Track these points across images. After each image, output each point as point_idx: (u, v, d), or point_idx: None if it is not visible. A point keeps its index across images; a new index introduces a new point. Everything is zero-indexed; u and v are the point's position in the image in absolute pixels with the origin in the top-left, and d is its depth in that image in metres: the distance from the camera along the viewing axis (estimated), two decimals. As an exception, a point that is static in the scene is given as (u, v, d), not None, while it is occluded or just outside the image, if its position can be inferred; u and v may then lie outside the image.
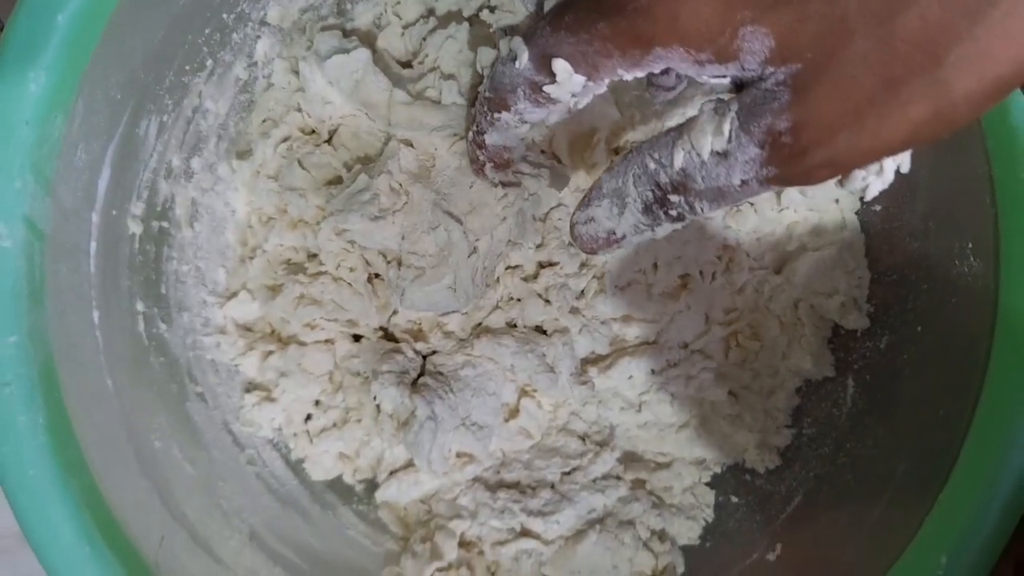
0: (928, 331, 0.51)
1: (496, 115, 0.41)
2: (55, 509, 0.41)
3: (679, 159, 0.34)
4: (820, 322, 0.57)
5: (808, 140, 0.30)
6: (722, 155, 0.33)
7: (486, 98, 0.41)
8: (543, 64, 0.36)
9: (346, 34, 0.54)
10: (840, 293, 0.55)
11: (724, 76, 0.32)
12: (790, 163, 0.31)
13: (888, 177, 0.34)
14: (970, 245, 0.47)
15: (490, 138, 0.44)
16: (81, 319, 0.45)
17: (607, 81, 0.35)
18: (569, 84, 0.35)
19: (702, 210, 0.35)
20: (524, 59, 0.37)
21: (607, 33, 0.33)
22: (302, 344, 0.54)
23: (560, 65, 0.35)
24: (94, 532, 0.42)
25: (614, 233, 0.39)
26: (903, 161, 0.34)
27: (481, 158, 0.47)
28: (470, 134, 0.46)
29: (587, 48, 0.34)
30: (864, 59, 0.28)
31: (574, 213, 0.41)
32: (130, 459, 0.47)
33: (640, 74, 0.34)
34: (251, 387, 0.56)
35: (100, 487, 0.43)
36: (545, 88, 0.37)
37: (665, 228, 0.38)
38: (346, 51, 0.51)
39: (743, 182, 0.33)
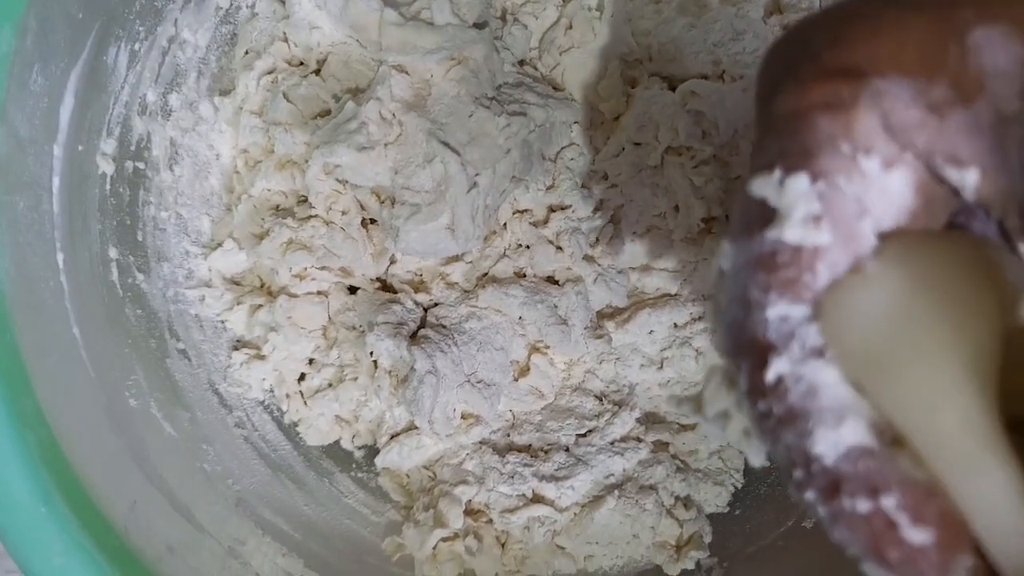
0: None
1: (774, 384, 0.23)
2: (7, 464, 0.37)
3: None
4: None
5: None
6: None
7: (745, 391, 0.25)
8: (751, 225, 0.24)
9: (335, -43, 0.49)
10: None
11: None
12: None
13: None
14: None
15: (822, 449, 0.23)
16: (42, 260, 0.42)
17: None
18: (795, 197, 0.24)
19: None
20: (728, 248, 0.25)
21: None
22: (293, 296, 0.50)
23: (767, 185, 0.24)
24: (52, 490, 0.38)
25: None
26: None
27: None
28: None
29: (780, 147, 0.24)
30: None
31: None
32: (99, 415, 0.43)
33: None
34: (239, 344, 0.52)
35: (61, 443, 0.39)
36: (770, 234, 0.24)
37: None
38: (335, -28, 0.47)
39: None
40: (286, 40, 0.49)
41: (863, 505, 0.22)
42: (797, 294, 0.23)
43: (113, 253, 0.46)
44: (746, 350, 0.24)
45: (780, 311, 0.23)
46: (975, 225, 0.24)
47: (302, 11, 0.48)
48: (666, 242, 0.52)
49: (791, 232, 0.23)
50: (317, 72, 0.49)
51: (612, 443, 0.51)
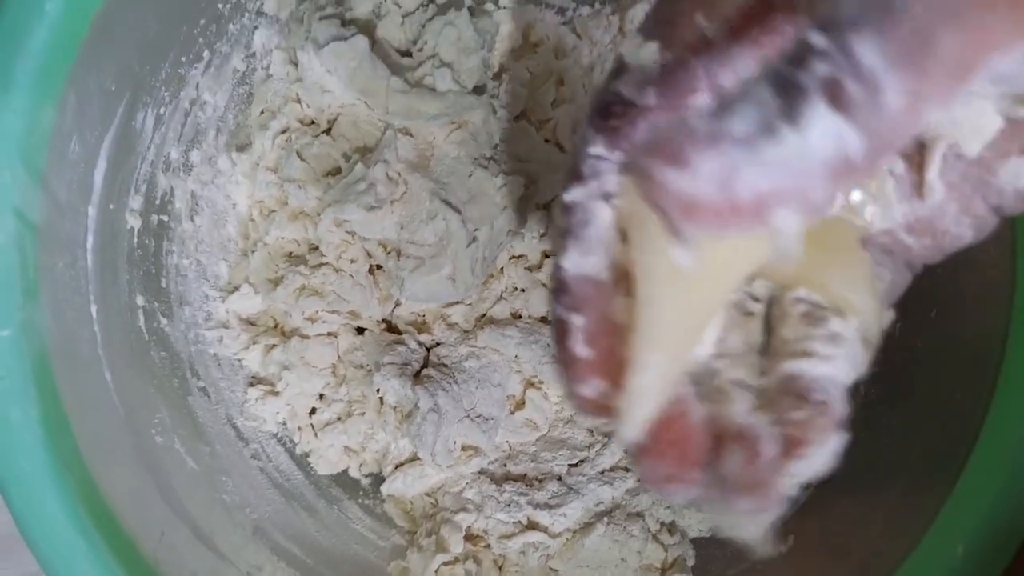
0: (943, 316, 0.49)
1: (569, 203, 0.28)
2: (50, 504, 0.41)
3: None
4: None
5: None
6: None
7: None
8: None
9: (344, 23, 0.53)
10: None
11: None
12: None
13: None
14: (986, 228, 0.46)
15: (568, 262, 0.28)
16: (78, 313, 0.45)
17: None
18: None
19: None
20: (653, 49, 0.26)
21: None
22: (305, 337, 0.53)
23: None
24: (90, 527, 0.41)
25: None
26: None
27: (563, 318, 0.29)
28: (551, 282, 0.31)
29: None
30: None
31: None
32: (129, 453, 0.46)
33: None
34: (254, 381, 0.55)
35: (97, 481, 0.43)
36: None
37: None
38: (344, 39, 0.51)
39: None
40: (299, 101, 0.53)
41: (564, 313, 0.28)
42: (615, 142, 0.26)
43: (140, 301, 0.50)
44: (569, 167, 0.28)
45: (598, 151, 0.26)
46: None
47: (314, 75, 0.52)
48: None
49: (625, 87, 0.25)
50: (328, 131, 0.53)
51: (602, 472, 0.55)
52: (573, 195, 0.28)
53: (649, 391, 0.28)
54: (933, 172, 0.29)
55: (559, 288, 0.29)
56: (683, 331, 0.28)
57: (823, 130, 0.20)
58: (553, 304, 0.29)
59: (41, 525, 0.40)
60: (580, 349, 0.29)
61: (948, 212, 0.30)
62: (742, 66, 0.24)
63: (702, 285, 0.27)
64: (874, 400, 0.53)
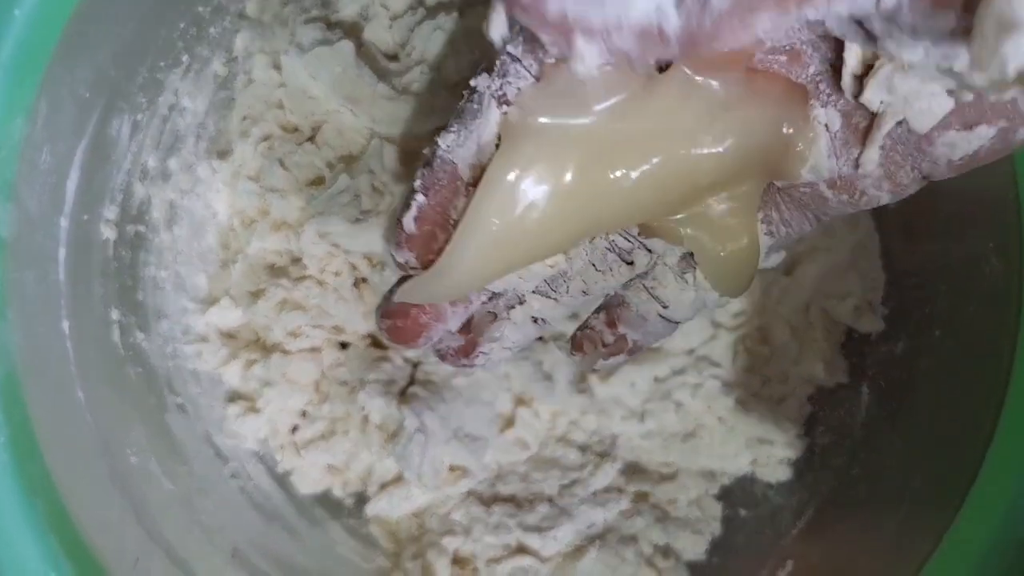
0: (947, 336, 0.48)
1: (471, 87, 0.31)
2: (18, 532, 0.39)
3: None
4: (832, 326, 0.54)
5: None
6: None
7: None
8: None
9: (330, 26, 0.51)
10: (853, 296, 0.53)
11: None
12: None
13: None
14: (991, 245, 0.45)
15: (444, 141, 0.32)
16: (49, 330, 0.43)
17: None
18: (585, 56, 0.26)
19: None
20: (500, 20, 0.28)
21: None
22: (286, 353, 0.51)
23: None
24: (60, 556, 0.39)
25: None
26: None
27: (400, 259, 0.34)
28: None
29: None
30: None
31: None
32: (102, 476, 0.44)
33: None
34: (234, 397, 0.53)
35: (68, 507, 0.41)
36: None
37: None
38: (330, 43, 0.49)
39: None
40: (282, 107, 0.51)
41: (417, 187, 0.32)
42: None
43: (115, 315, 0.48)
44: (486, 54, 0.30)
45: (517, 52, 0.30)
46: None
47: (297, 80, 0.50)
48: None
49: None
50: (312, 139, 0.51)
51: (594, 494, 0.53)
52: (478, 82, 0.31)
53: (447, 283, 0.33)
54: (874, 147, 0.30)
55: (426, 162, 0.32)
56: (492, 250, 0.32)
57: None
58: (417, 172, 0.32)
59: (9, 554, 0.39)
60: (409, 224, 0.32)
61: (872, 175, 0.31)
62: None
63: (522, 227, 0.31)
64: (876, 421, 0.52)
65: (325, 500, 0.55)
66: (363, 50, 0.51)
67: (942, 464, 0.45)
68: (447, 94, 0.48)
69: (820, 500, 0.52)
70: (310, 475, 0.54)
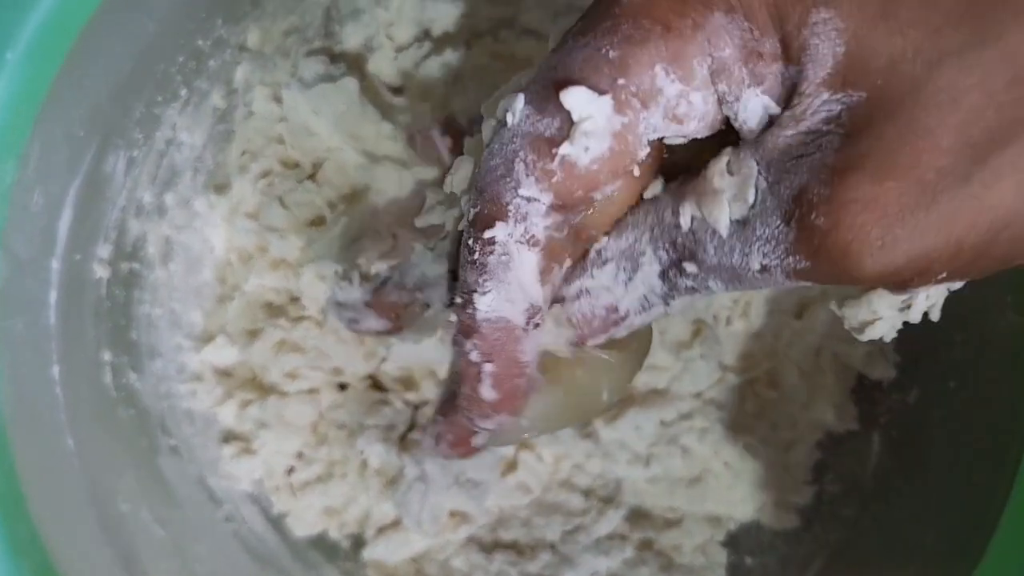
0: (962, 387, 0.47)
1: (489, 240, 0.27)
2: (2, 592, 0.37)
3: (685, 220, 0.27)
4: (843, 371, 0.53)
5: (851, 220, 0.22)
6: (741, 223, 0.25)
7: (471, 221, 0.28)
8: (547, 100, 0.25)
9: (333, 58, 0.50)
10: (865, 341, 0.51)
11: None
12: (822, 255, 0.23)
13: (912, 317, 0.28)
14: (1009, 298, 0.44)
15: (484, 304, 0.28)
16: (38, 376, 0.42)
17: (649, 113, 0.25)
18: (591, 120, 0.25)
19: (716, 288, 0.27)
20: (519, 105, 0.26)
21: (637, 6, 0.24)
22: (283, 394, 0.50)
23: (573, 95, 0.25)
24: (46, 615, 0.38)
25: (616, 310, 0.30)
26: (939, 301, 0.28)
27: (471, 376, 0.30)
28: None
29: (610, 43, 0.24)
30: (952, 102, 0.21)
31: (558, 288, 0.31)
32: (92, 527, 0.43)
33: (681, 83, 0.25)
34: (229, 437, 0.52)
35: (56, 563, 0.39)
36: (560, 150, 0.25)
37: (681, 302, 0.29)
38: (333, 79, 0.48)
39: (763, 267, 0.25)
40: (282, 142, 0.50)
41: (477, 358, 0.29)
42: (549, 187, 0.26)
43: (107, 356, 0.46)
44: (488, 200, 0.27)
45: (530, 192, 0.26)
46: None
47: (298, 116, 0.48)
48: (656, 341, 0.53)
49: (571, 149, 0.25)
50: (312, 176, 0.50)
51: (597, 541, 0.52)
52: (496, 233, 0.27)
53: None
54: None
55: (470, 329, 0.29)
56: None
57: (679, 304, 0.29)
58: (461, 342, 0.29)
59: (-8, 616, 0.37)
60: (488, 393, 0.30)
61: None
62: None
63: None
64: (887, 471, 0.51)
65: (321, 543, 0.53)
66: (367, 84, 0.49)
67: (957, 519, 0.44)
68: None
69: (829, 551, 0.51)
70: (306, 517, 0.52)
